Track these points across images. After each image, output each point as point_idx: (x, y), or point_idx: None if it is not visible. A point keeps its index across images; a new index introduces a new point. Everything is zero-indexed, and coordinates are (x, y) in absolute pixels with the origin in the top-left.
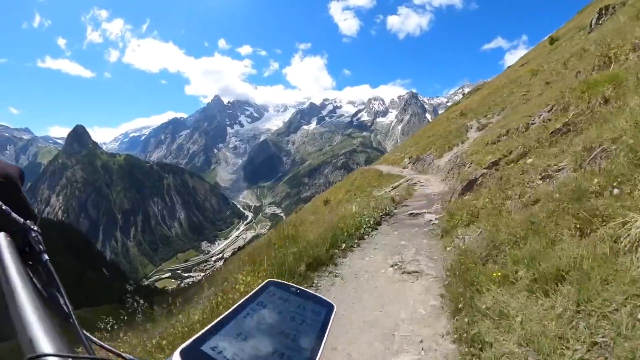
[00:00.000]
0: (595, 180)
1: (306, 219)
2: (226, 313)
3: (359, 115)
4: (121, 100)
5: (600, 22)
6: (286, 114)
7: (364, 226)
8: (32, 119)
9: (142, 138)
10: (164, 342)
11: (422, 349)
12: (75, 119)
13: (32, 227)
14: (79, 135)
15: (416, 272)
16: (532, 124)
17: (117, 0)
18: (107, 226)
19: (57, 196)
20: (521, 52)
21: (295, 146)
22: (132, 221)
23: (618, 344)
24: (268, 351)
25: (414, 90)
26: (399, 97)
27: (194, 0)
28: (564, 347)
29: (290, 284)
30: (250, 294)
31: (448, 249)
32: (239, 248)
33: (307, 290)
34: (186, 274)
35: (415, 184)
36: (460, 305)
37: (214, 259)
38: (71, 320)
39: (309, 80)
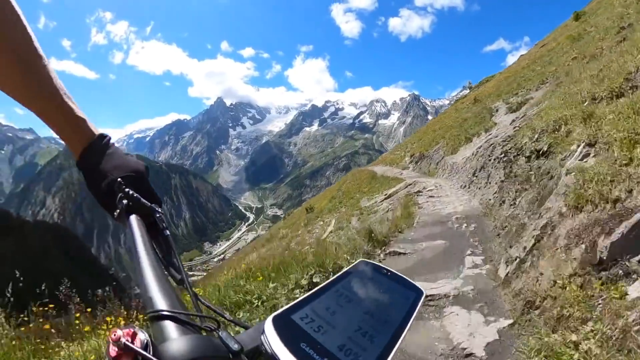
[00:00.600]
0: None
1: (253, 253)
2: (319, 287)
3: (361, 117)
4: (125, 102)
5: None
6: (288, 116)
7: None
8: (36, 120)
9: (147, 139)
10: None
11: None
12: None
13: (156, 209)
14: None
15: None
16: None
17: (122, 3)
18: (101, 231)
19: (53, 198)
20: (523, 52)
21: (297, 148)
22: None
23: None
24: (353, 328)
25: (416, 92)
26: (401, 99)
27: (197, 3)
28: None
29: (382, 265)
30: (343, 271)
31: None
32: (238, 250)
33: (398, 273)
34: (190, 272)
35: (419, 192)
36: None
37: (215, 259)
38: (184, 285)
39: (311, 82)
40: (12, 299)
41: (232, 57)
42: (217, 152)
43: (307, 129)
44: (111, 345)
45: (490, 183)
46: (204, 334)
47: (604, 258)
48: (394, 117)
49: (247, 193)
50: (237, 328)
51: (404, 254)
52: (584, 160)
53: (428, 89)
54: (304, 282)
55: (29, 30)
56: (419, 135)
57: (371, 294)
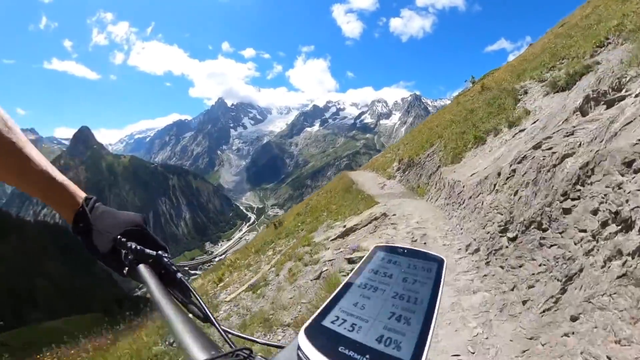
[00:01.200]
0: None
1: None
2: (341, 286)
3: (362, 117)
4: (126, 102)
5: None
6: (289, 116)
7: None
8: (38, 120)
9: (147, 140)
10: None
11: None
12: (81, 121)
13: (163, 255)
14: (84, 136)
15: None
16: None
17: (123, 4)
18: None
19: None
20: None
21: (299, 148)
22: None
23: None
24: (386, 316)
25: (417, 93)
26: (402, 99)
27: (198, 4)
28: None
29: (398, 245)
30: (360, 262)
31: None
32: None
33: (415, 248)
34: (192, 271)
35: (382, 239)
36: None
37: (217, 259)
38: (210, 321)
39: (312, 82)
40: None
41: (233, 57)
42: (218, 152)
43: (309, 129)
44: None
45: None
46: None
47: None
48: (395, 117)
49: (248, 193)
50: (273, 350)
51: None
52: None
53: (429, 89)
54: None
55: (3, 114)
56: (412, 134)
57: (395, 276)
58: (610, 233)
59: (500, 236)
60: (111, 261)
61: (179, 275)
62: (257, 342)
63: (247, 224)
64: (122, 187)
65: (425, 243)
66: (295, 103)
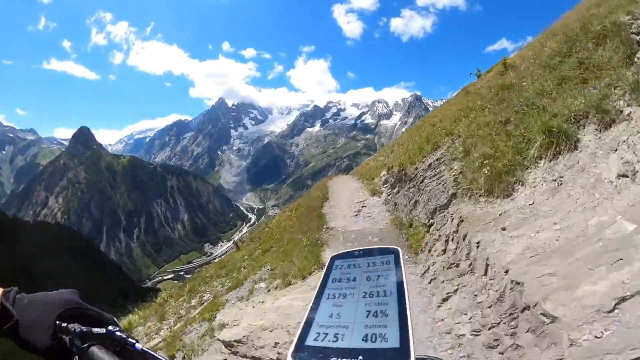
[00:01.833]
0: None
1: None
2: (310, 303)
3: (362, 117)
4: (126, 103)
5: None
6: (290, 117)
7: None
8: (38, 121)
9: (147, 140)
10: None
11: None
12: (81, 121)
13: (114, 330)
14: (83, 136)
15: None
16: None
17: (122, 3)
18: (111, 227)
19: (56, 197)
20: None
21: (299, 148)
22: (136, 222)
23: None
24: (363, 315)
25: (418, 93)
26: (402, 100)
27: (198, 4)
28: None
29: (352, 249)
30: (322, 276)
31: None
32: None
33: (370, 247)
34: (188, 276)
35: None
36: None
37: (216, 260)
38: None
39: (312, 83)
40: None
41: (234, 57)
42: (219, 152)
43: (309, 129)
44: None
45: None
46: None
47: None
48: (396, 118)
49: (249, 194)
50: None
51: None
52: None
53: (430, 90)
54: None
55: None
56: (409, 133)
57: (358, 278)
58: None
59: None
60: (55, 354)
61: (139, 345)
62: None
63: (248, 225)
64: (118, 189)
65: None
66: (296, 103)
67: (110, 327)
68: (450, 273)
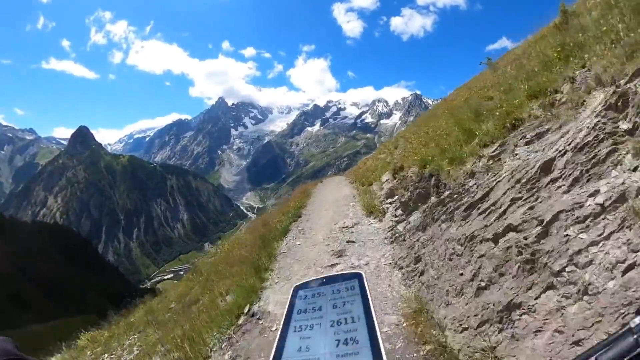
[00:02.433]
0: None
1: None
2: (277, 338)
3: (362, 117)
4: (126, 102)
5: None
6: (290, 116)
7: None
8: (37, 120)
9: (147, 139)
10: None
11: None
12: (80, 120)
13: None
14: (82, 136)
15: None
16: None
17: (121, 2)
18: (110, 227)
19: (55, 197)
20: None
21: (299, 148)
22: (135, 222)
23: None
24: (334, 345)
25: (418, 92)
26: (403, 99)
27: (197, 3)
28: None
29: (315, 278)
30: (286, 309)
31: None
32: None
33: (333, 274)
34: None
35: None
36: None
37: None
38: None
39: (312, 82)
40: None
41: (234, 56)
42: (219, 152)
43: (309, 128)
44: None
45: None
46: None
47: None
48: (396, 117)
49: (249, 193)
50: None
51: None
52: None
53: (430, 89)
54: None
55: None
56: (422, 121)
57: (324, 307)
58: None
59: None
60: None
61: None
62: None
63: (248, 224)
64: (117, 189)
65: None
66: (296, 103)
67: None
68: None
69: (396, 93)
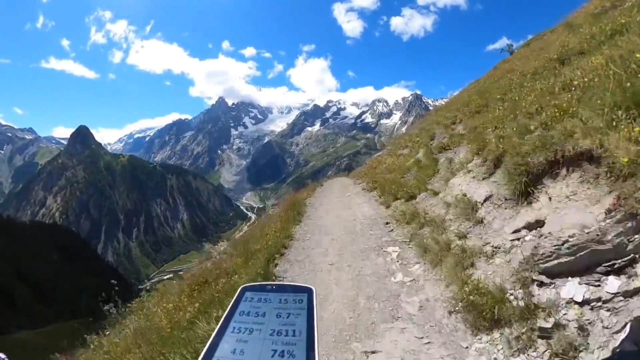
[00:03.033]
0: None
1: None
2: (213, 335)
3: (362, 117)
4: (125, 102)
5: None
6: (290, 116)
7: None
8: (36, 120)
9: (147, 139)
10: None
11: None
12: (80, 120)
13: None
14: (82, 135)
15: None
16: None
17: (121, 1)
18: (110, 227)
19: (54, 197)
20: None
21: (299, 148)
22: (135, 222)
23: None
24: (269, 354)
25: (418, 92)
26: (403, 99)
27: (197, 2)
28: None
29: (265, 282)
30: (229, 308)
31: None
32: None
33: (283, 283)
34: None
35: None
36: None
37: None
38: None
39: (313, 82)
40: None
41: (234, 56)
42: (219, 152)
43: (309, 128)
44: None
45: None
46: None
47: None
48: (396, 117)
49: (249, 193)
50: None
51: None
52: None
53: (430, 89)
54: None
55: None
56: (475, 89)
57: (267, 314)
58: None
59: None
60: None
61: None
62: None
63: (248, 224)
64: (117, 189)
65: None
66: (296, 102)
67: None
68: None
69: (396, 93)
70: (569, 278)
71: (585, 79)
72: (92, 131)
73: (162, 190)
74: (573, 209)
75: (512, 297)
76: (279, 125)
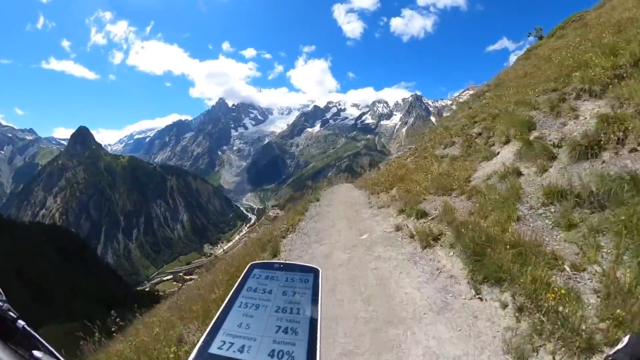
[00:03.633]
0: None
1: None
2: (221, 309)
3: (363, 118)
4: (126, 102)
5: None
6: (290, 117)
7: None
8: (37, 120)
9: (147, 140)
10: None
11: None
12: (80, 121)
13: None
14: (82, 136)
15: None
16: None
17: (121, 2)
18: (110, 228)
19: (55, 198)
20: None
21: (299, 149)
22: (135, 223)
23: None
24: (273, 330)
25: (418, 93)
26: (403, 100)
27: (198, 3)
28: None
29: (274, 261)
30: (237, 282)
31: None
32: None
33: (291, 262)
34: (188, 277)
35: None
36: None
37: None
38: None
39: (313, 83)
40: None
41: (234, 57)
42: (219, 153)
43: (309, 129)
44: None
45: None
46: None
47: None
48: (396, 118)
49: (249, 194)
50: None
51: None
52: None
53: (430, 90)
54: None
55: None
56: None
57: (274, 291)
58: None
59: None
60: None
61: (21, 323)
62: None
63: (248, 225)
64: (117, 190)
65: None
66: (296, 103)
67: None
68: None
69: (396, 94)
70: None
71: None
72: (93, 132)
73: (162, 191)
74: None
75: None
76: (279, 126)
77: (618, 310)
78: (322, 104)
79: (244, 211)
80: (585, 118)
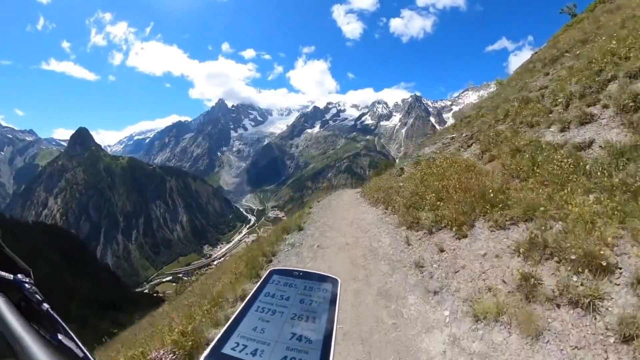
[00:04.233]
0: None
1: None
2: (238, 311)
3: (362, 118)
4: (126, 104)
5: None
6: (290, 118)
7: None
8: (37, 121)
9: (147, 141)
10: None
11: None
12: (80, 122)
13: (24, 280)
14: (82, 137)
15: None
16: None
17: (121, 4)
18: (109, 229)
19: (55, 198)
20: (526, 53)
21: (299, 150)
22: (134, 224)
23: None
24: (287, 337)
25: (418, 94)
26: (402, 101)
27: (197, 4)
28: None
29: (294, 268)
30: (256, 287)
31: None
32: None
33: (310, 270)
34: (187, 278)
35: None
36: None
37: (215, 262)
38: None
39: (312, 83)
40: None
41: (234, 58)
42: (219, 153)
43: (309, 130)
44: None
45: None
46: None
47: None
48: (396, 119)
49: (249, 195)
50: None
51: None
52: None
53: (430, 90)
54: None
55: None
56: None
57: (292, 298)
58: None
59: None
60: None
61: (46, 306)
62: None
63: (247, 226)
64: (116, 191)
65: None
66: (295, 104)
67: (19, 276)
68: None
69: (396, 94)
70: None
71: None
72: (92, 133)
73: (161, 192)
74: None
75: None
76: (278, 127)
77: None
78: (321, 105)
79: (244, 212)
80: None
